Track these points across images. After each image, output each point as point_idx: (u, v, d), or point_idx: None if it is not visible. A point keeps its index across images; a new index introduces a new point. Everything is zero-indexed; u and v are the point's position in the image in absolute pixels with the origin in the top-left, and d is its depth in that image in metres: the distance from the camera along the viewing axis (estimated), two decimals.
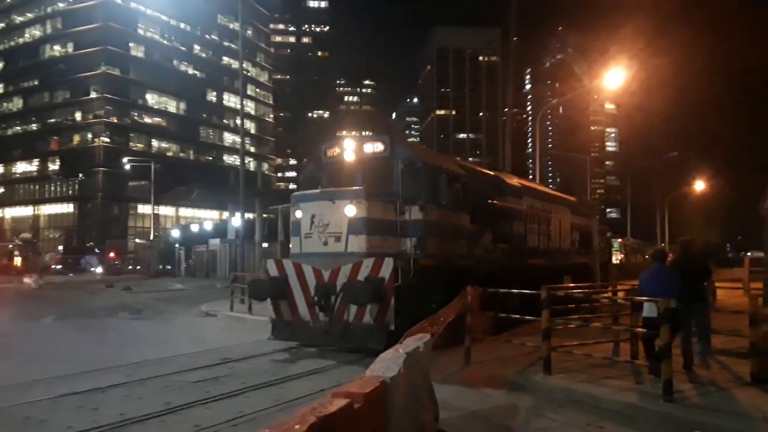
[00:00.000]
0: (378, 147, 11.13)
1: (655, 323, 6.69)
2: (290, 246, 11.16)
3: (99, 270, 47.99)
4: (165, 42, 79.01)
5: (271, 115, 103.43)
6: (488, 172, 15.36)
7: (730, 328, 9.77)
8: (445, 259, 11.08)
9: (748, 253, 49.15)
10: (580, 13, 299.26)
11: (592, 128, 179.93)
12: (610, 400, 6.67)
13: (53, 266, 51.14)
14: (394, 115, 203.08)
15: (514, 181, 15.48)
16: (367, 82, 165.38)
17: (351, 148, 11.12)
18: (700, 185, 55.26)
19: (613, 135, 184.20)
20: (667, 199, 52.56)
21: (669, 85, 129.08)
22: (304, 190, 11.46)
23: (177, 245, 46.23)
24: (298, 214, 10.72)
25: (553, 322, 8.32)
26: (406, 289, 9.63)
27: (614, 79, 22.87)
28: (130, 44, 74.40)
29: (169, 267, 44.95)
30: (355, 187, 10.32)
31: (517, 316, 8.99)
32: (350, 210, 9.92)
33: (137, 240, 67.30)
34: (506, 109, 27.54)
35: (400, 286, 9.53)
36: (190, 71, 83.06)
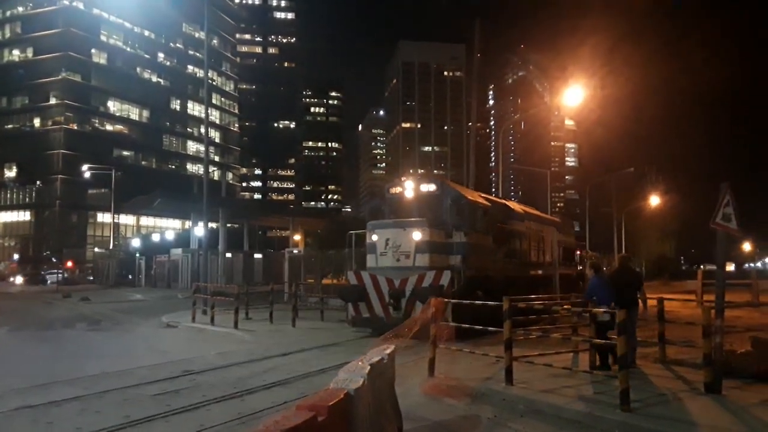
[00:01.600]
0: (431, 187, 14.98)
1: (607, 325, 8.10)
2: (366, 261, 14.59)
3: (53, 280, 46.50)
4: (128, 49, 77.68)
5: (237, 125, 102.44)
6: (501, 201, 19.15)
7: (684, 339, 10.12)
8: (480, 271, 14.27)
9: (702, 266, 50.77)
10: (540, 32, 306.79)
11: (553, 143, 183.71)
12: (570, 409, 6.81)
13: (11, 278, 49.39)
14: (360, 127, 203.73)
15: (518, 207, 19.25)
16: (333, 93, 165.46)
17: (410, 187, 14.89)
18: (655, 200, 56.98)
19: (572, 150, 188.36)
20: (624, 213, 53.93)
21: (626, 103, 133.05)
22: (371, 220, 15.15)
23: (137, 255, 45.28)
24: (374, 237, 14.14)
25: (515, 332, 8.46)
26: (458, 293, 12.51)
27: (573, 96, 23.53)
28: (92, 51, 72.88)
29: (129, 277, 43.92)
30: (419, 218, 13.89)
31: (480, 326, 9.19)
32: (417, 235, 13.44)
33: (96, 249, 65.60)
34: (470, 123, 28.19)
35: (454, 291, 12.68)
36: (154, 79, 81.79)
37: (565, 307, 11.37)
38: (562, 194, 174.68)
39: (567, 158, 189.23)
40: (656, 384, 7.92)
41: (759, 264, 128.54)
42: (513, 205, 19.49)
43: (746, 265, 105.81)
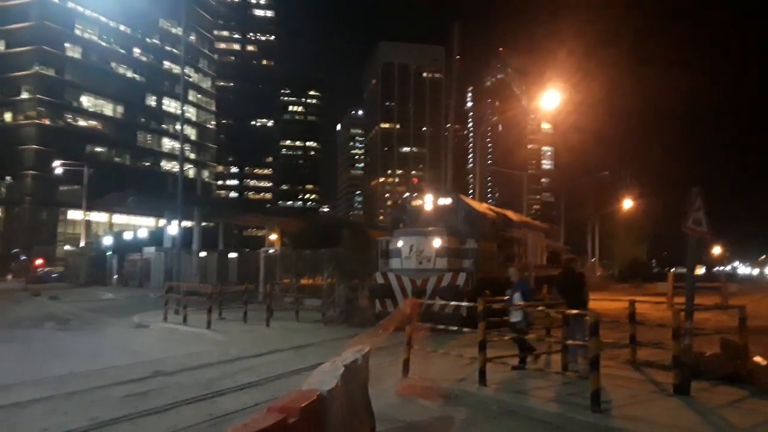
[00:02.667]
0: (448, 201, 17.43)
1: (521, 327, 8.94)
2: (389, 263, 16.69)
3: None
4: (104, 44, 76.42)
5: (213, 122, 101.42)
6: (502, 211, 20.98)
7: (655, 341, 10.27)
8: (487, 273, 16.20)
9: (673, 269, 51.69)
10: (519, 35, 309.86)
11: (530, 146, 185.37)
12: (542, 410, 6.87)
13: None
14: (338, 127, 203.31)
15: (515, 216, 21.69)
16: (312, 92, 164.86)
17: (430, 201, 17.31)
18: (628, 203, 57.85)
19: (549, 153, 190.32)
20: (599, 216, 54.67)
21: (601, 107, 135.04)
22: (392, 228, 17.73)
23: (109, 253, 44.52)
24: (399, 243, 16.27)
25: (490, 333, 8.50)
26: (471, 291, 14.50)
27: (550, 100, 23.79)
28: (66, 45, 71.54)
29: (100, 275, 43.17)
30: (439, 227, 16.01)
31: (455, 327, 9.26)
32: (437, 242, 15.56)
33: (67, 247, 64.28)
34: (448, 125, 28.60)
35: (468, 290, 14.70)
36: (129, 74, 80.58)
37: (539, 308, 11.48)
38: (538, 197, 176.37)
39: (543, 161, 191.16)
40: (626, 385, 8.01)
41: (728, 267, 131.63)
42: (511, 214, 21.72)
43: (716, 268, 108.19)
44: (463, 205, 17.58)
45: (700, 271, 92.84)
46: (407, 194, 18.96)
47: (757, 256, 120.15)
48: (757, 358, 8.97)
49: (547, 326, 10.76)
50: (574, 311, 8.39)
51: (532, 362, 9.38)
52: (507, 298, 9.59)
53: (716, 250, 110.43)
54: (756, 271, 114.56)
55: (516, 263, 10.85)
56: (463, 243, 16.11)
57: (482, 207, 19.19)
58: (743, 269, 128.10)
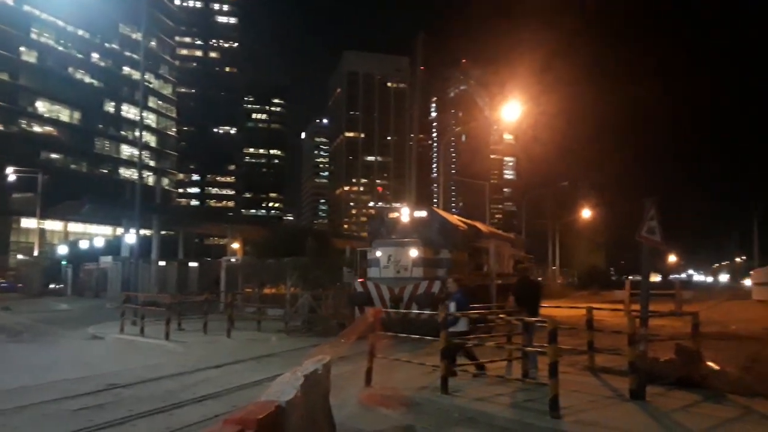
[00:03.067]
0: (423, 213, 18.56)
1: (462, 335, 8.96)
2: (368, 272, 17.32)
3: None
4: (60, 48, 74.38)
5: (174, 129, 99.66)
6: (473, 223, 22.16)
7: (612, 347, 10.48)
8: (460, 281, 15.04)
9: (630, 277, 52.94)
10: (481, 48, 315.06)
11: (492, 157, 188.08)
12: (502, 417, 6.93)
13: None
14: (303, 135, 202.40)
15: (484, 228, 23.20)
16: (276, 100, 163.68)
17: (406, 213, 18.34)
18: (587, 213, 59.14)
19: (511, 164, 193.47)
20: (559, 225, 55.73)
21: (559, 119, 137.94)
22: (371, 239, 18.53)
23: (64, 262, 43.20)
24: (378, 253, 16.98)
25: (451, 341, 8.54)
26: (445, 298, 13.91)
27: (511, 111, 24.28)
28: (22, 48, 69.36)
29: (54, 286, 41.80)
30: (415, 239, 16.90)
31: (417, 336, 9.30)
32: (413, 252, 16.46)
33: (19, 256, 62.01)
34: (412, 135, 29.01)
35: (443, 297, 13.93)
36: (87, 80, 78.58)
37: (500, 316, 11.60)
38: (500, 206, 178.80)
39: (506, 171, 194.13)
40: (585, 391, 8.15)
41: (684, 275, 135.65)
42: (480, 226, 23.14)
43: (672, 276, 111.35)
44: (437, 217, 18.69)
45: (656, 278, 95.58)
46: (384, 206, 20.39)
47: (711, 263, 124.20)
48: (710, 363, 9.26)
49: (508, 333, 10.86)
50: (528, 318, 8.67)
51: (475, 369, 9.41)
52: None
53: (671, 258, 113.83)
54: (710, 279, 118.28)
55: (452, 276, 11.19)
56: (438, 253, 17.11)
57: (454, 219, 20.31)
58: (698, 277, 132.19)
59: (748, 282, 50.66)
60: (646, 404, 7.35)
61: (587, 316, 10.46)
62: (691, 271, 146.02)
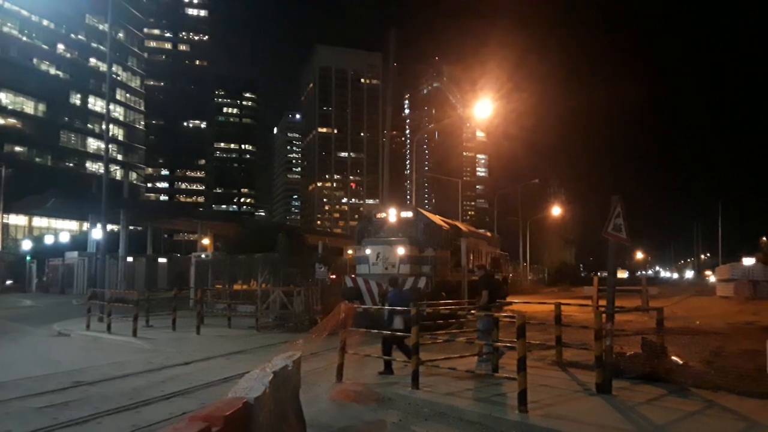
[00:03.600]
0: (409, 214, 19.57)
1: (403, 333, 9.13)
2: (358, 269, 18.62)
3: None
4: (24, 38, 72.23)
5: (142, 122, 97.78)
6: (453, 223, 23.68)
7: (580, 342, 10.66)
8: (442, 277, 18.79)
9: (598, 273, 53.88)
10: (453, 45, 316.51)
11: (465, 154, 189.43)
12: (471, 411, 6.99)
13: None
14: (275, 130, 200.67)
15: (463, 227, 24.36)
16: (247, 94, 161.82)
17: (393, 214, 19.37)
18: (557, 210, 59.97)
19: (483, 161, 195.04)
20: (529, 222, 56.39)
21: (529, 117, 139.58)
22: (359, 238, 19.65)
23: (28, 258, 42.16)
24: (368, 251, 18.12)
25: (423, 337, 8.58)
26: (430, 293, 16.83)
27: (483, 109, 24.42)
28: None
29: (11, 282, 40.73)
30: (403, 238, 18.11)
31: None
32: (401, 250, 17.63)
33: None
34: (385, 131, 29.27)
35: (428, 292, 16.91)
36: (53, 71, 76.51)
37: (472, 312, 11.70)
38: (473, 203, 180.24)
39: (478, 168, 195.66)
40: (553, 385, 8.27)
41: (650, 271, 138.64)
42: (461, 225, 24.71)
43: (639, 272, 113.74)
44: (422, 218, 19.78)
45: (624, 275, 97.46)
46: (372, 207, 22.14)
47: (677, 260, 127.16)
48: (675, 358, 9.47)
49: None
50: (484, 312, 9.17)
51: (403, 367, 9.44)
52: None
53: (639, 255, 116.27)
54: (676, 275, 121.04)
55: (391, 277, 11.43)
56: (423, 251, 18.27)
57: (438, 219, 21.27)
58: (665, 273, 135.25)
59: (712, 278, 52.01)
60: (612, 398, 7.48)
61: (556, 311, 10.62)
62: (657, 268, 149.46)
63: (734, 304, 27.46)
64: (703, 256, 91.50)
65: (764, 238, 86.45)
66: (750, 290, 32.27)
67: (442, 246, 19.32)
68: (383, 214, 19.82)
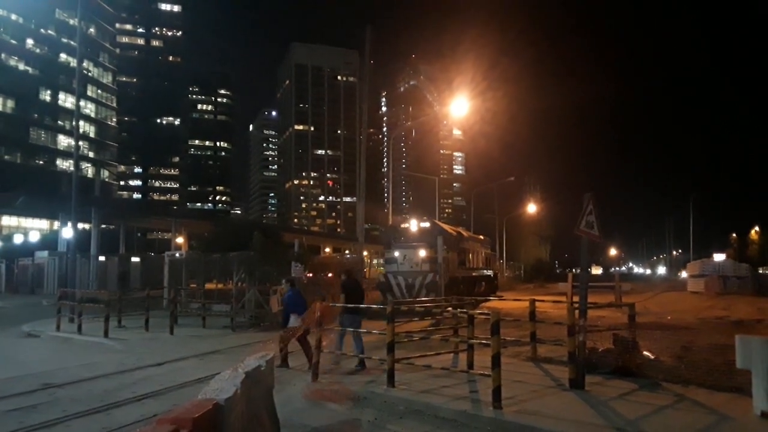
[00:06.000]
0: (426, 224, 25.34)
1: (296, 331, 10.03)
2: (387, 266, 24.94)
3: None
4: None
5: (115, 119, 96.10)
6: (458, 229, 30.11)
7: (554, 338, 10.76)
8: (453, 274, 24.69)
9: (573, 270, 54.52)
10: (430, 43, 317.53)
11: (442, 152, 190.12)
12: (447, 408, 7.00)
13: None
14: (251, 127, 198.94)
15: (465, 233, 31.05)
16: (222, 91, 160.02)
17: (414, 224, 25.09)
18: (532, 207, 60.52)
19: (460, 159, 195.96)
20: (506, 219, 56.82)
21: (504, 115, 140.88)
22: (387, 243, 25.31)
23: None
24: (396, 254, 24.03)
25: (399, 335, 8.57)
26: (446, 286, 22.42)
27: (459, 107, 24.61)
28: None
29: None
30: (423, 243, 23.68)
31: (364, 330, 9.31)
32: (422, 253, 23.35)
33: None
34: (362, 128, 29.73)
35: (445, 285, 22.47)
36: (22, 67, 74.79)
37: (448, 309, 11.73)
38: (450, 201, 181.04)
39: (455, 166, 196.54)
40: (527, 381, 8.33)
41: (624, 268, 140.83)
42: (463, 231, 30.96)
43: (613, 269, 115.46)
44: (436, 227, 25.53)
45: (598, 271, 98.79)
46: (398, 219, 28.60)
47: (650, 256, 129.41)
48: (646, 353, 9.62)
49: (455, 326, 11.00)
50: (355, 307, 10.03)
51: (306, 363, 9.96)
52: (286, 307, 10.57)
53: (613, 251, 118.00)
54: (649, 271, 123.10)
55: (289, 279, 11.89)
56: (437, 253, 23.24)
57: (448, 228, 27.47)
58: (638, 269, 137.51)
59: (684, 274, 53.03)
60: (585, 393, 7.56)
61: (530, 308, 10.71)
62: (631, 264, 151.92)
63: (705, 300, 28.04)
64: (675, 253, 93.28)
65: (734, 235, 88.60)
66: (720, 286, 32.97)
67: (451, 249, 25.00)
68: (406, 225, 25.68)
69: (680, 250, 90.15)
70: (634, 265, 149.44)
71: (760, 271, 49.13)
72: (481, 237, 36.23)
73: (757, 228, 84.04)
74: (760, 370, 6.33)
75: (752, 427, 6.14)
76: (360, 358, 9.51)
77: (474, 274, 29.42)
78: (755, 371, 6.42)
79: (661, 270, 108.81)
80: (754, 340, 6.62)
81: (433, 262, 22.95)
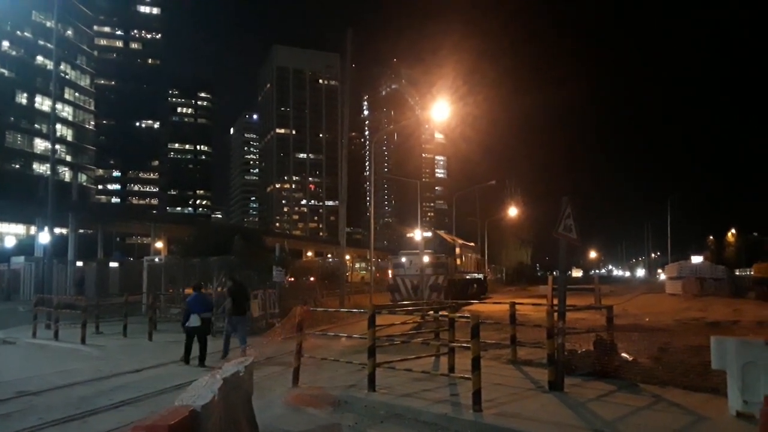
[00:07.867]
0: (428, 234, 29.92)
1: (196, 330, 11.28)
2: (395, 271, 28.03)
3: None
4: None
5: (93, 122, 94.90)
6: (453, 237, 33.96)
7: (534, 341, 10.82)
8: (453, 276, 28.05)
9: (554, 273, 54.88)
10: (411, 47, 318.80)
11: (424, 155, 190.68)
12: (427, 412, 7.00)
13: None
14: (231, 131, 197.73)
15: (459, 240, 33.96)
16: (202, 94, 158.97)
17: (418, 233, 29.21)
18: (513, 210, 60.90)
19: (442, 162, 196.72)
20: (487, 222, 57.09)
21: (485, 119, 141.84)
22: (396, 250, 33.86)
23: None
24: (403, 259, 27.60)
25: (380, 338, 8.55)
26: (448, 287, 26.31)
27: (440, 111, 24.60)
28: None
29: None
30: (426, 249, 27.04)
31: (345, 334, 9.28)
32: (426, 258, 26.53)
33: None
34: (344, 131, 30.06)
35: (446, 286, 26.27)
36: None
37: (429, 313, 11.75)
38: (432, 204, 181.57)
39: (437, 170, 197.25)
40: (507, 384, 8.37)
41: (603, 270, 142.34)
42: (457, 239, 34.21)
43: (592, 271, 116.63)
44: (437, 236, 30.12)
45: (579, 274, 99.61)
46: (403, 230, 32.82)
47: (629, 258, 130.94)
48: (624, 354, 9.71)
49: (435, 330, 11.02)
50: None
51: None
52: (188, 307, 11.47)
53: (593, 254, 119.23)
54: (628, 273, 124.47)
55: (195, 284, 12.66)
56: (438, 258, 27.16)
57: (447, 236, 32.02)
58: (618, 272, 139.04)
59: (662, 276, 53.71)
60: (564, 395, 7.62)
61: (510, 311, 10.76)
62: (611, 267, 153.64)
63: (682, 301, 28.40)
64: (653, 255, 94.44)
65: (711, 237, 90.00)
66: (697, 287, 33.40)
67: (450, 254, 28.48)
68: (411, 234, 30.51)
69: (659, 253, 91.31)
70: (613, 268, 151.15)
71: (737, 273, 49.91)
72: (471, 243, 39.69)
73: (733, 230, 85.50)
74: (735, 370, 6.42)
75: (728, 427, 6.23)
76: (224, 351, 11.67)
77: (467, 277, 32.83)
78: (730, 372, 6.52)
79: (641, 272, 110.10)
80: (729, 341, 6.71)
81: (436, 266, 26.48)
